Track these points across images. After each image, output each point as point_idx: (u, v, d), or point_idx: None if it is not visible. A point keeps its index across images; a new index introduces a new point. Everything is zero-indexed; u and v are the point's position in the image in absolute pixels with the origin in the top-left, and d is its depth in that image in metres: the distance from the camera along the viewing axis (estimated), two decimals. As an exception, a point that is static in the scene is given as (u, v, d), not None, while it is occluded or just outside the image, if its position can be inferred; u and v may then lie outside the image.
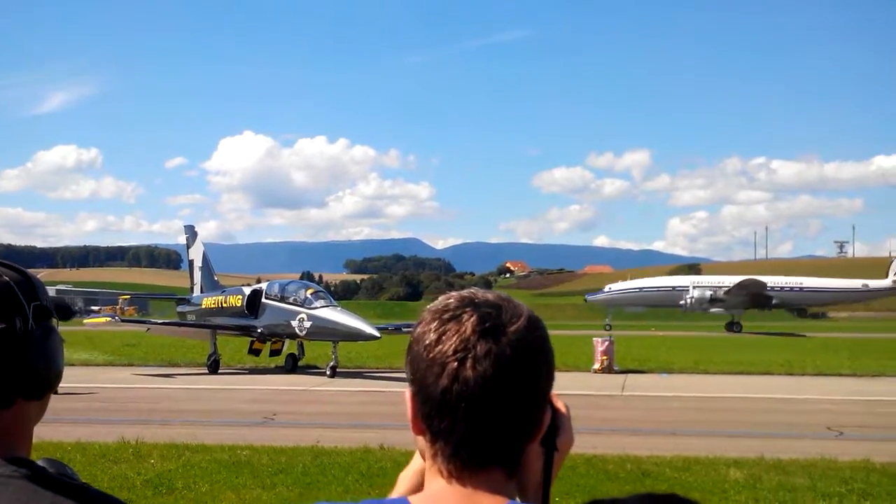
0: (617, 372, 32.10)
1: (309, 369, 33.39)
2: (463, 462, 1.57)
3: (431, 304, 1.66)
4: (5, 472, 1.59)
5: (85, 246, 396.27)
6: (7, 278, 1.74)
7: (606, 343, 33.01)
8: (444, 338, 1.56)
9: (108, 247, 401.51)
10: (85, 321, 38.52)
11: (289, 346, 33.91)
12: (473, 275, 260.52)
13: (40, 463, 1.66)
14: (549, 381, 1.62)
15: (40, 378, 1.72)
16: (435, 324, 1.59)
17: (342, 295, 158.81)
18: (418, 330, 1.62)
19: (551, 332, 1.70)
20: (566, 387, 22.97)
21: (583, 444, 14.75)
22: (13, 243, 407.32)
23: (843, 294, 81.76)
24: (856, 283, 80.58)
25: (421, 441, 1.63)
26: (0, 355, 1.66)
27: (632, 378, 30.14)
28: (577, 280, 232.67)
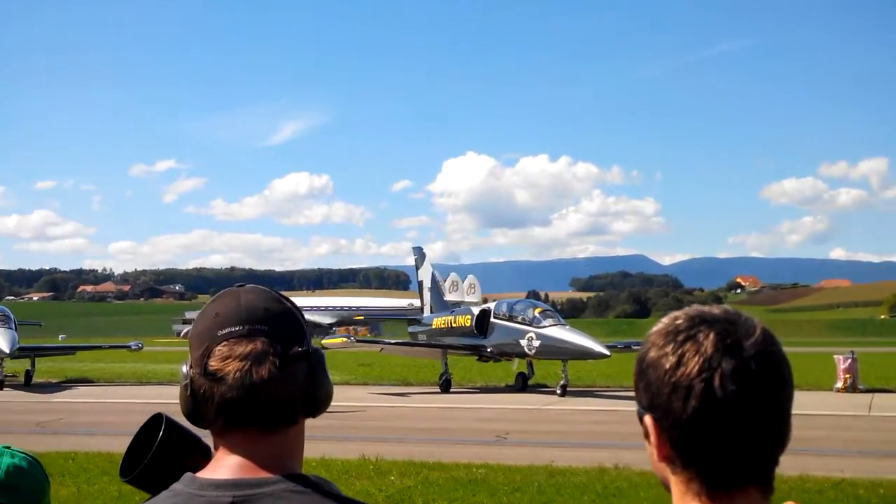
0: (861, 391, 30.36)
1: (539, 388, 33.45)
2: (721, 484, 1.52)
3: (656, 327, 1.61)
4: (288, 487, 1.69)
5: (319, 269, 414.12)
6: (289, 304, 1.86)
7: (849, 360, 31.27)
8: (684, 360, 1.51)
9: (340, 269, 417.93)
10: (323, 342, 40.16)
11: (518, 366, 34.07)
12: (703, 290, 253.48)
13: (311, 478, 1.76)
14: (791, 392, 1.57)
15: (321, 398, 1.82)
16: (671, 346, 1.54)
17: (569, 313, 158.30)
18: (651, 354, 1.56)
19: (788, 350, 1.65)
20: (807, 406, 21.94)
21: (830, 467, 14.03)
22: (254, 268, 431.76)
23: None
24: None
25: (664, 469, 1.58)
26: (299, 378, 1.77)
27: (879, 398, 28.38)
28: (813, 295, 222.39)
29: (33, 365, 36.55)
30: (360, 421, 22.99)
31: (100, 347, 48.52)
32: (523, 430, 21.07)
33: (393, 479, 13.56)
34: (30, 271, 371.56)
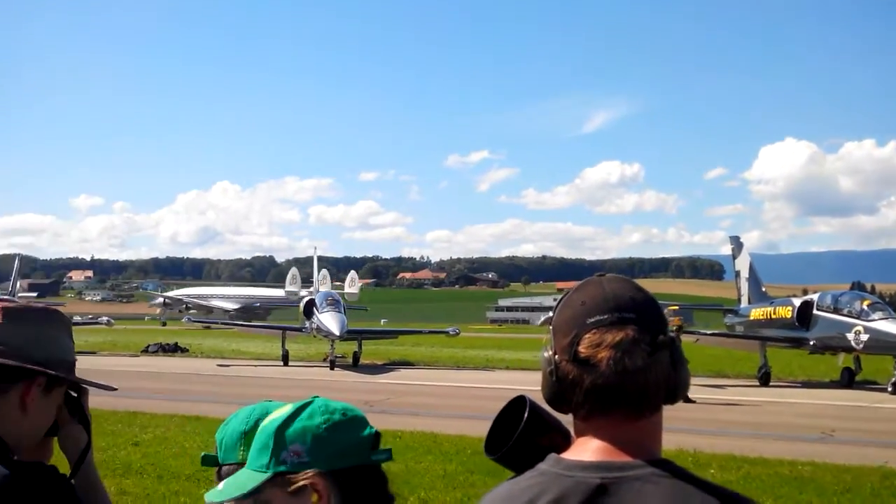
0: None
1: (867, 385, 31.33)
2: None
3: None
4: (655, 472, 1.70)
5: (630, 258, 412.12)
6: (649, 293, 1.87)
7: None
8: None
9: (651, 258, 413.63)
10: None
11: (844, 360, 32.10)
12: None
13: None
14: None
15: (680, 385, 1.80)
16: None
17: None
18: None
19: None
20: None
21: None
22: (565, 257, 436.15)
23: None
24: None
25: None
26: (661, 364, 1.77)
27: None
28: None
29: (360, 347, 39.00)
30: (676, 412, 22.48)
31: (420, 332, 50.85)
32: (850, 429, 19.78)
33: (713, 473, 13.17)
34: (354, 258, 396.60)
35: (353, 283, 47.55)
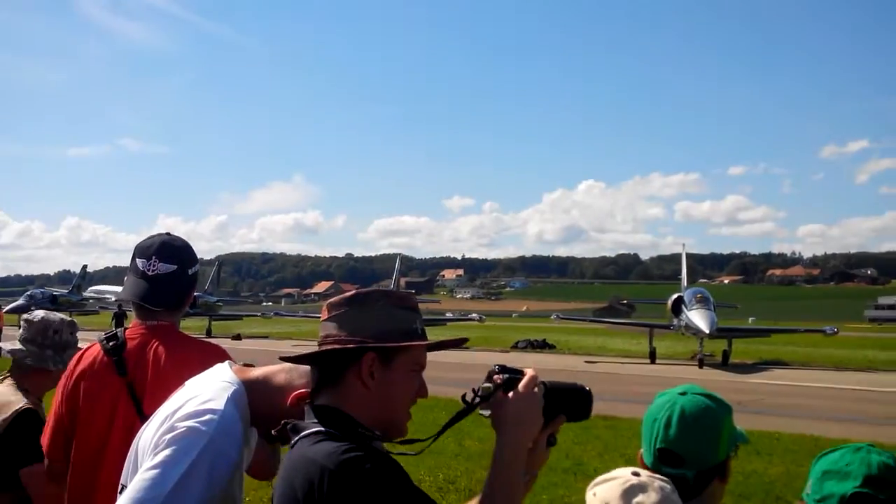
0: None
1: None
2: None
3: None
4: None
5: None
6: None
7: None
8: None
9: None
10: None
11: None
12: None
13: None
14: None
15: None
16: None
17: None
18: None
19: None
20: None
21: None
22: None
23: None
24: None
25: None
26: None
27: None
28: None
29: (730, 345, 37.95)
30: None
31: (794, 331, 48.62)
32: None
33: None
34: (721, 255, 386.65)
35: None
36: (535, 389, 2.28)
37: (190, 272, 3.51)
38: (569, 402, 2.33)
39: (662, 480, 2.31)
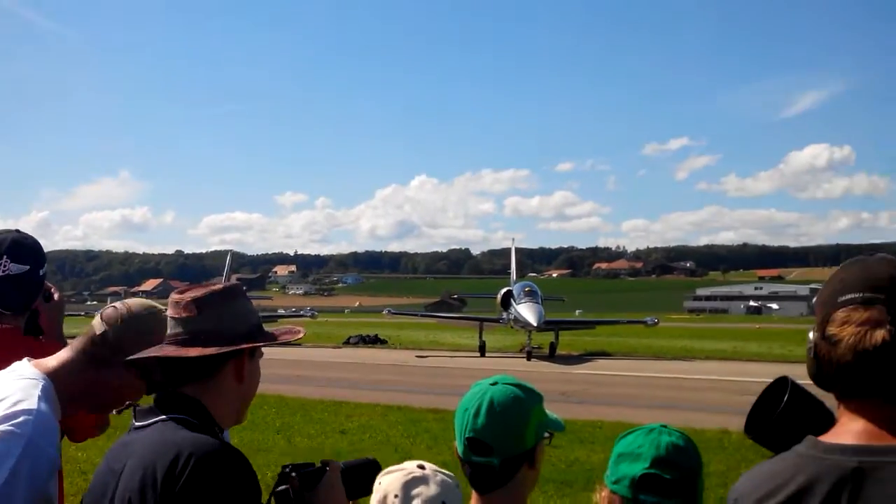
0: None
1: None
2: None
3: None
4: None
5: (837, 244, 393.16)
6: None
7: None
8: None
9: (860, 244, 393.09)
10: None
11: None
12: None
13: None
14: None
15: None
16: None
17: None
18: None
19: None
20: None
21: None
22: (767, 244, 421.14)
23: None
24: None
25: None
26: None
27: None
28: None
29: (557, 338, 38.98)
30: None
31: (617, 322, 50.39)
32: None
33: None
34: (549, 249, 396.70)
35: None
36: (336, 476, 2.44)
37: (41, 273, 3.28)
38: (362, 475, 2.53)
39: (446, 475, 2.41)
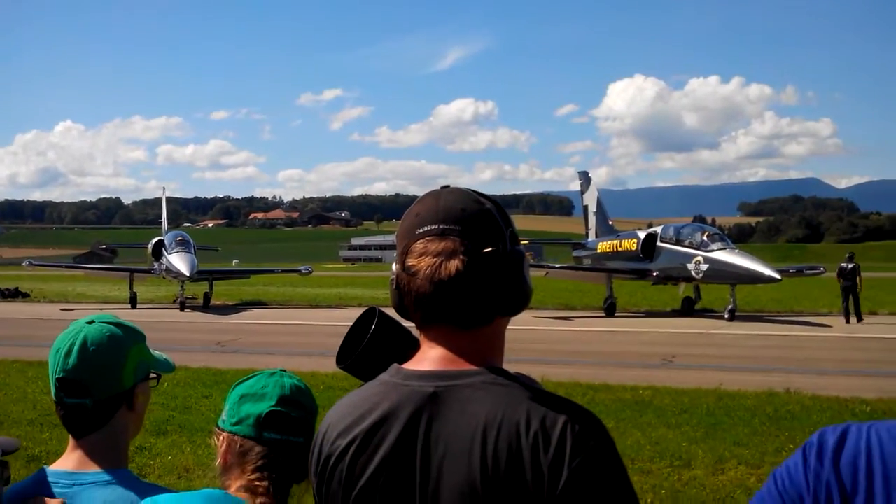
0: None
1: (706, 313, 32.91)
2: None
3: None
4: (487, 379, 1.74)
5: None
6: (489, 206, 1.89)
7: None
8: None
9: (503, 195, 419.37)
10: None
11: (684, 290, 33.57)
12: (880, 215, 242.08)
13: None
14: None
15: (517, 297, 1.85)
16: None
17: (737, 238, 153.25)
18: None
19: None
20: None
21: None
22: (418, 194, 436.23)
23: None
24: None
25: None
26: (490, 276, 1.80)
27: None
28: None
29: (211, 288, 38.52)
30: (524, 344, 23.02)
31: (272, 272, 50.51)
32: (689, 354, 20.73)
33: (559, 399, 13.56)
34: (205, 199, 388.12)
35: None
36: None
37: None
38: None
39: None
